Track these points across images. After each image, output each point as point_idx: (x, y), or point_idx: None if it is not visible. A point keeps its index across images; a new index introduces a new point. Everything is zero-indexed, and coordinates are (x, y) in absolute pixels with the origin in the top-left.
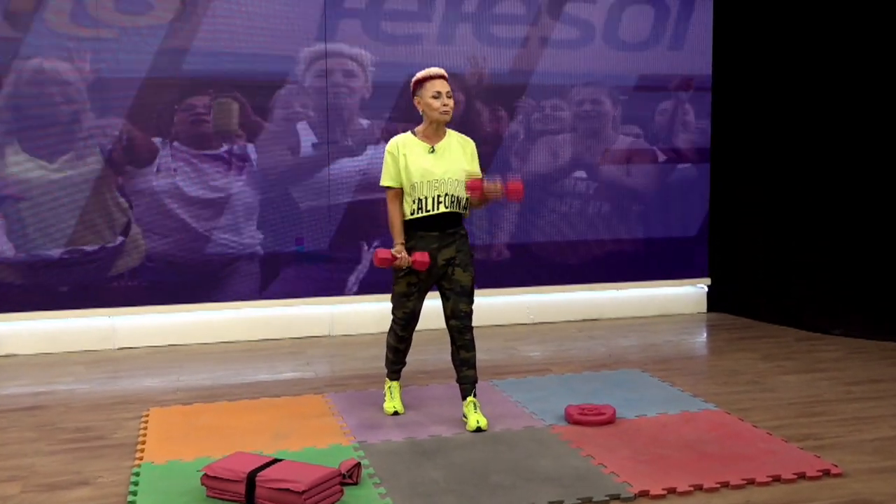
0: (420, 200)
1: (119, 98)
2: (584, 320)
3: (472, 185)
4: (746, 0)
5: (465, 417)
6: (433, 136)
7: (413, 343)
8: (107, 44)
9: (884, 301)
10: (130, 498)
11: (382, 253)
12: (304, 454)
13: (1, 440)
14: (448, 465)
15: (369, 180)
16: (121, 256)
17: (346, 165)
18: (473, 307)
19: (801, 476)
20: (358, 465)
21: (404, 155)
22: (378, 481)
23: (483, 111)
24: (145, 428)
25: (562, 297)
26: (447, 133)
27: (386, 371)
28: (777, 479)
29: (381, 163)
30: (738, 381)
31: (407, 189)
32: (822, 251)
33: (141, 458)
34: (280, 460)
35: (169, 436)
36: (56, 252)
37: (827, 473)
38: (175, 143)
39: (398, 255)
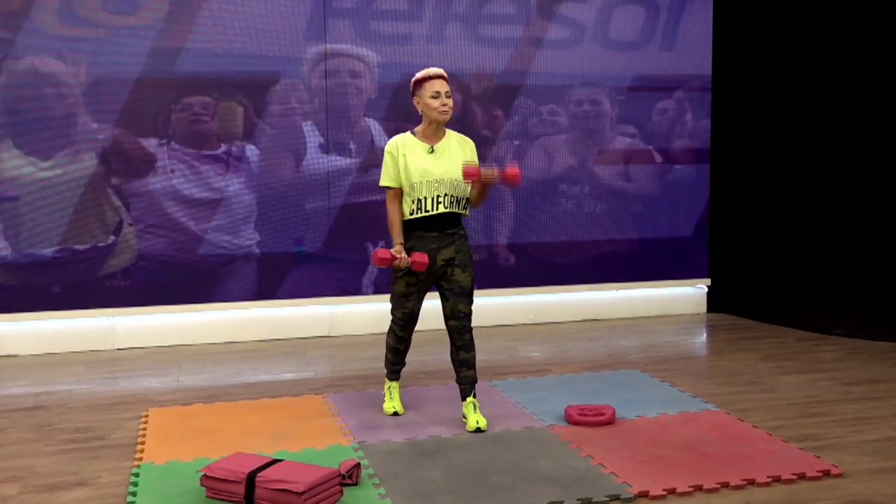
0: (419, 201)
1: (112, 99)
2: (584, 321)
3: (468, 172)
4: (746, 0)
5: (465, 418)
6: (432, 136)
7: (412, 343)
8: (98, 44)
9: (884, 301)
10: (130, 499)
11: (382, 253)
12: (303, 455)
13: (0, 440)
14: (448, 466)
15: (367, 180)
16: (117, 256)
17: (347, 165)
18: (473, 307)
19: (801, 476)
20: (357, 465)
21: (404, 155)
22: (378, 482)
23: (479, 112)
24: (145, 428)
25: (562, 298)
26: (447, 133)
27: (385, 371)
28: (777, 479)
29: (381, 162)
30: (738, 381)
31: (406, 189)
32: (822, 251)
33: (140, 459)
34: (279, 461)
35: (168, 436)
36: (54, 252)
37: (827, 474)
38: (173, 144)
39: (398, 256)
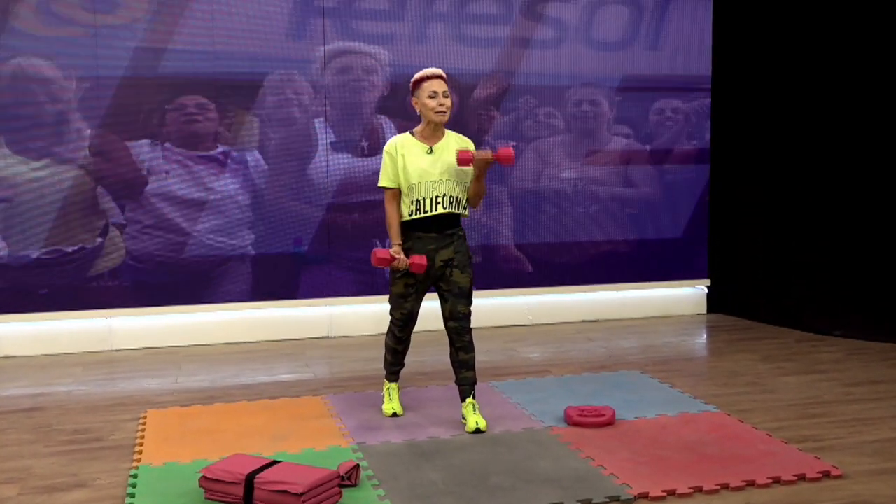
0: (418, 201)
1: (102, 98)
2: (584, 321)
3: (463, 157)
4: (746, 0)
5: (464, 419)
6: (431, 136)
7: (412, 344)
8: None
9: (884, 302)
10: (128, 500)
11: (381, 253)
12: (302, 456)
13: None
14: (447, 467)
15: (362, 180)
16: (113, 257)
17: (346, 164)
18: (472, 308)
19: (802, 478)
20: (357, 466)
21: (402, 155)
22: (377, 483)
23: (475, 112)
24: (143, 430)
25: (561, 299)
26: (445, 133)
27: (384, 372)
28: (777, 480)
29: (381, 163)
30: (738, 382)
31: (405, 190)
32: (822, 252)
33: (139, 460)
34: (278, 462)
35: (167, 438)
36: (52, 253)
37: (827, 475)
38: (167, 145)
39: (396, 256)
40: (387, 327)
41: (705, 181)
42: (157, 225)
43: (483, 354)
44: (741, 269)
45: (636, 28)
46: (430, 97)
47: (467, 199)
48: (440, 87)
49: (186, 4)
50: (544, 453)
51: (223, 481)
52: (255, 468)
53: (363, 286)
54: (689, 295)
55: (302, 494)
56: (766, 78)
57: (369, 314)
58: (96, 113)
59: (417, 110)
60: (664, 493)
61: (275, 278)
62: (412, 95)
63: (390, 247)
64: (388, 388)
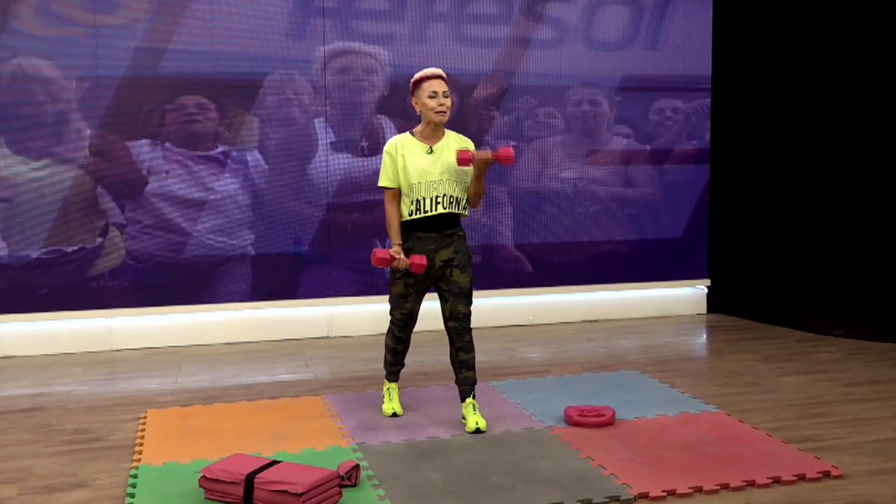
0: (418, 201)
1: (102, 98)
2: (584, 321)
3: (462, 157)
4: (746, 0)
5: (464, 419)
6: (431, 136)
7: (412, 344)
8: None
9: (884, 302)
10: (128, 500)
11: (381, 253)
12: (302, 456)
13: None
14: (447, 467)
15: (363, 180)
16: (113, 257)
17: (346, 164)
18: (472, 308)
19: (802, 478)
20: (357, 466)
21: (402, 155)
22: (377, 483)
23: (475, 112)
24: (143, 430)
25: (561, 299)
26: (445, 133)
27: (384, 372)
28: (777, 480)
29: (381, 163)
30: (738, 382)
31: (405, 190)
32: (822, 252)
33: (139, 460)
34: (278, 462)
35: (167, 438)
36: (50, 253)
37: (827, 475)
38: (167, 144)
39: (396, 257)
40: (387, 327)
41: (705, 181)
42: (157, 225)
43: (483, 354)
44: (741, 269)
45: (636, 28)
46: (430, 97)
47: (467, 200)
48: (440, 87)
49: (186, 4)
50: (544, 453)
51: (223, 481)
52: (255, 468)
53: (363, 286)
54: (689, 295)
55: (302, 494)
56: (766, 78)
57: (369, 314)
58: (96, 113)
59: (417, 110)
60: (664, 494)
61: (275, 278)
62: (412, 95)
63: (390, 247)
64: (388, 388)
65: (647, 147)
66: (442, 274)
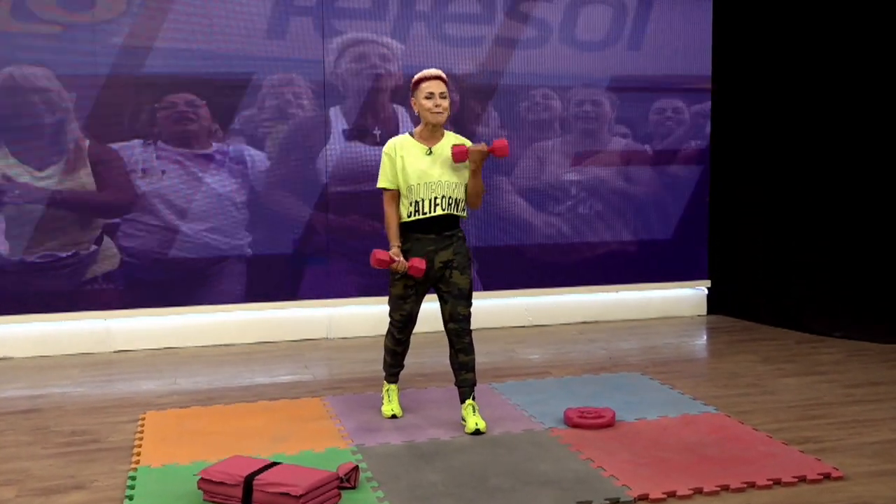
0: (417, 203)
1: (88, 98)
2: (584, 322)
3: (458, 151)
4: (746, 0)
5: (464, 420)
6: (430, 137)
7: (411, 346)
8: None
9: (884, 303)
10: (127, 502)
11: (380, 254)
12: (301, 458)
13: None
14: (447, 469)
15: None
16: (109, 259)
17: (346, 164)
18: (472, 310)
19: (802, 479)
20: (356, 468)
21: (401, 157)
22: (376, 485)
23: (474, 112)
24: (141, 431)
25: (561, 300)
26: (444, 134)
27: (384, 374)
28: (777, 482)
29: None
30: (738, 383)
31: (404, 191)
32: (822, 252)
33: (137, 462)
34: (277, 464)
35: (165, 439)
36: (49, 256)
37: (827, 477)
38: (160, 144)
39: (396, 259)
40: (386, 329)
41: (705, 181)
42: (154, 226)
43: (483, 356)
44: (741, 270)
45: (636, 28)
46: (427, 98)
47: (466, 200)
48: (437, 88)
49: (182, 3)
50: (544, 455)
51: (222, 483)
52: (254, 470)
53: (363, 287)
54: (689, 296)
55: (301, 496)
56: (766, 78)
57: (369, 315)
58: (89, 113)
59: (416, 111)
60: (664, 495)
61: (274, 279)
62: (412, 96)
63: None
64: (387, 390)
65: (647, 147)
66: (441, 275)
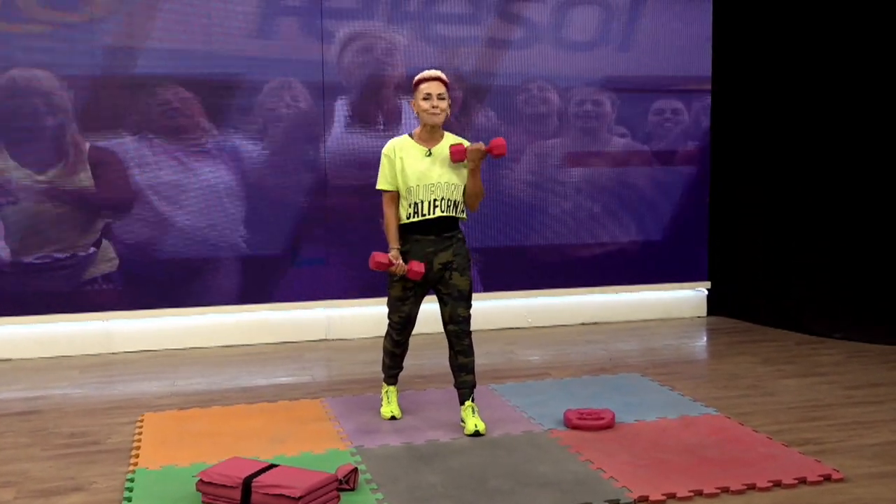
0: (416, 204)
1: (84, 97)
2: (584, 324)
3: (456, 150)
4: (746, 0)
5: (463, 422)
6: (429, 139)
7: (410, 347)
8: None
9: (884, 304)
10: None
11: (379, 257)
12: (300, 459)
13: None
14: (446, 470)
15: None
16: (108, 260)
17: (346, 164)
18: (472, 311)
19: (802, 481)
20: (355, 470)
21: (401, 158)
22: (375, 487)
23: (473, 111)
24: (140, 433)
25: (561, 301)
26: (444, 136)
27: (383, 376)
28: (778, 484)
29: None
30: (738, 385)
31: (403, 193)
32: (822, 253)
33: (136, 464)
34: (276, 466)
35: (164, 441)
36: (47, 257)
37: (828, 478)
38: (151, 138)
39: (395, 261)
40: (385, 330)
41: (705, 182)
42: (153, 227)
43: (482, 357)
44: (741, 271)
45: (636, 28)
46: (424, 99)
47: (465, 202)
48: (436, 89)
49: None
50: (544, 456)
51: (221, 485)
52: (253, 472)
53: (362, 288)
54: (689, 297)
55: (300, 498)
56: (766, 78)
57: (368, 317)
58: (89, 114)
59: (415, 112)
60: (664, 497)
61: (273, 280)
62: (412, 96)
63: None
64: (386, 392)
65: (647, 148)
66: (441, 277)
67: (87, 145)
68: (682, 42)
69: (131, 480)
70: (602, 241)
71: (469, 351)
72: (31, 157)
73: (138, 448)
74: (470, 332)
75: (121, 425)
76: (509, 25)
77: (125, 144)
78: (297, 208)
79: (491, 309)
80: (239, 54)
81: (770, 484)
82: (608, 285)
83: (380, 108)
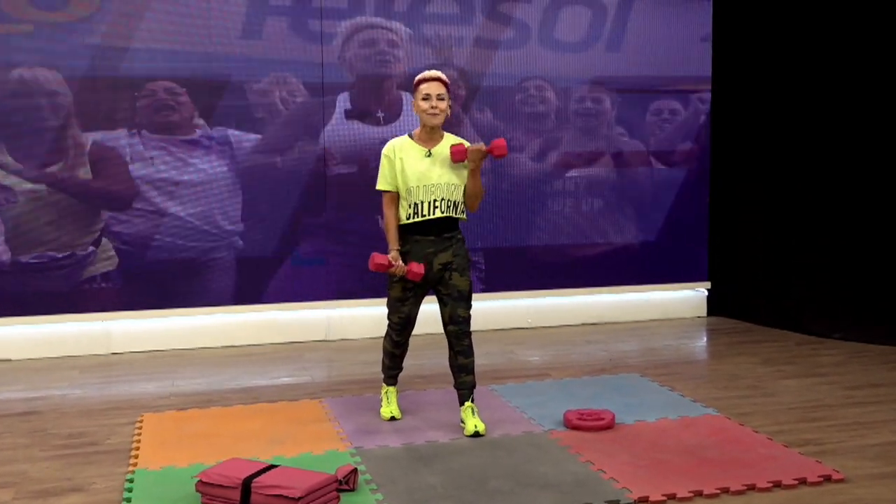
0: (416, 205)
1: (78, 96)
2: (584, 324)
3: (456, 150)
4: (746, 0)
5: (463, 422)
6: (428, 139)
7: (410, 347)
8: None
9: (884, 305)
10: None
11: (379, 258)
12: (300, 460)
13: None
14: (446, 471)
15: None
16: (107, 261)
17: (346, 163)
18: (471, 312)
19: (803, 482)
20: (354, 471)
21: (401, 159)
22: (375, 487)
23: (474, 112)
24: (139, 434)
25: (561, 301)
26: (444, 136)
27: (382, 376)
28: (778, 484)
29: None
30: (738, 385)
31: (403, 193)
32: (822, 253)
33: (135, 465)
34: (276, 466)
35: (163, 442)
36: (46, 257)
37: (828, 479)
38: (143, 132)
39: (395, 263)
40: (385, 330)
41: (705, 182)
42: (152, 227)
43: (482, 357)
44: (741, 271)
45: (636, 28)
46: (424, 100)
47: (465, 203)
48: (435, 90)
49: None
50: (544, 457)
51: (220, 486)
52: (253, 472)
53: (362, 289)
54: (689, 297)
55: (299, 499)
56: (766, 78)
57: (368, 317)
58: (88, 113)
59: (415, 112)
60: (664, 497)
61: (273, 280)
62: (413, 97)
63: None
64: (386, 392)
65: (647, 148)
66: (441, 277)
67: (87, 143)
68: (683, 42)
69: (130, 481)
70: (602, 242)
71: (469, 352)
72: (30, 156)
73: (137, 449)
74: (470, 333)
75: (120, 426)
76: (500, 26)
77: (118, 136)
78: (299, 208)
79: (491, 309)
80: (236, 52)
81: (770, 484)
82: (608, 286)
83: (379, 104)
